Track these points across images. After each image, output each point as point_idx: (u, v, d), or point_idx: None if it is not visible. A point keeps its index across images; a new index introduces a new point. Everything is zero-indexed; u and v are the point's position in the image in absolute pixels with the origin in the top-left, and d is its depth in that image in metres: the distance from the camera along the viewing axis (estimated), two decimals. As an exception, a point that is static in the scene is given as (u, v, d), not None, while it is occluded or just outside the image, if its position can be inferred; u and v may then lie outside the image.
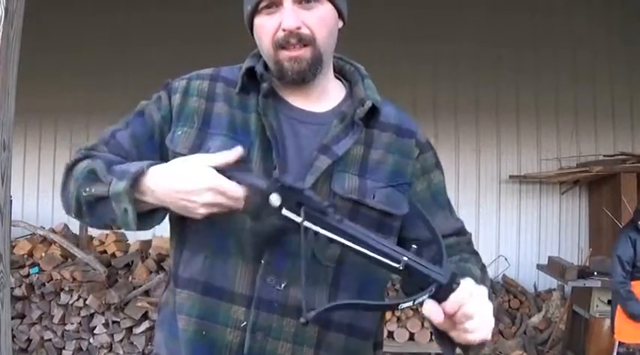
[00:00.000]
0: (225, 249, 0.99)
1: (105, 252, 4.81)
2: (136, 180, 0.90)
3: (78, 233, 5.04)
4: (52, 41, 5.53)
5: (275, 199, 0.87)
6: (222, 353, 0.98)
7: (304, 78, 1.01)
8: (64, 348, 4.33)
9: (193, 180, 0.88)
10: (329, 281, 1.00)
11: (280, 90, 1.06)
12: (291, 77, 1.00)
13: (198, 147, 1.00)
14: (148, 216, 0.95)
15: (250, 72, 1.05)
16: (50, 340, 4.34)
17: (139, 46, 5.56)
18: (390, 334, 4.24)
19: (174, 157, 0.98)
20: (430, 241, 0.97)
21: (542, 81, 5.42)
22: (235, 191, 0.88)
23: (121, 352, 4.27)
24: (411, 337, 4.27)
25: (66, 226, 5.12)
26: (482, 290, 0.86)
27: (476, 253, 1.13)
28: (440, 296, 0.82)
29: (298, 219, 0.86)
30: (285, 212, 0.87)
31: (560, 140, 5.42)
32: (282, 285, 0.97)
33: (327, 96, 1.08)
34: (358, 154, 1.04)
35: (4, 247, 1.79)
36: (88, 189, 0.95)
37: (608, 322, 3.70)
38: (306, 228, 0.87)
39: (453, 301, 0.82)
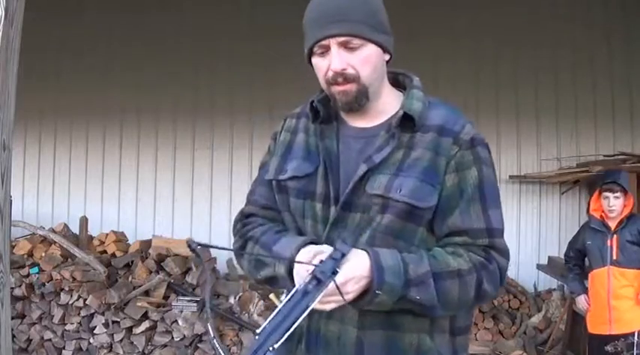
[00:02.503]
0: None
1: (105, 252, 4.81)
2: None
3: (78, 233, 5.03)
4: (52, 41, 5.54)
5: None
6: None
7: (351, 108, 1.22)
8: (64, 348, 4.33)
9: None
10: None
11: (343, 113, 1.28)
12: (341, 107, 1.23)
13: (280, 169, 1.30)
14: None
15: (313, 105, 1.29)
16: (50, 340, 4.34)
17: (139, 46, 5.56)
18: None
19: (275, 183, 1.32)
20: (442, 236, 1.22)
21: (541, 81, 5.41)
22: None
23: (121, 352, 4.27)
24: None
25: (66, 226, 5.11)
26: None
27: (485, 257, 1.20)
28: None
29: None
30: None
31: (560, 140, 5.42)
32: None
33: (380, 112, 1.26)
34: (397, 158, 1.20)
35: (4, 247, 1.79)
36: (259, 275, 1.29)
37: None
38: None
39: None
